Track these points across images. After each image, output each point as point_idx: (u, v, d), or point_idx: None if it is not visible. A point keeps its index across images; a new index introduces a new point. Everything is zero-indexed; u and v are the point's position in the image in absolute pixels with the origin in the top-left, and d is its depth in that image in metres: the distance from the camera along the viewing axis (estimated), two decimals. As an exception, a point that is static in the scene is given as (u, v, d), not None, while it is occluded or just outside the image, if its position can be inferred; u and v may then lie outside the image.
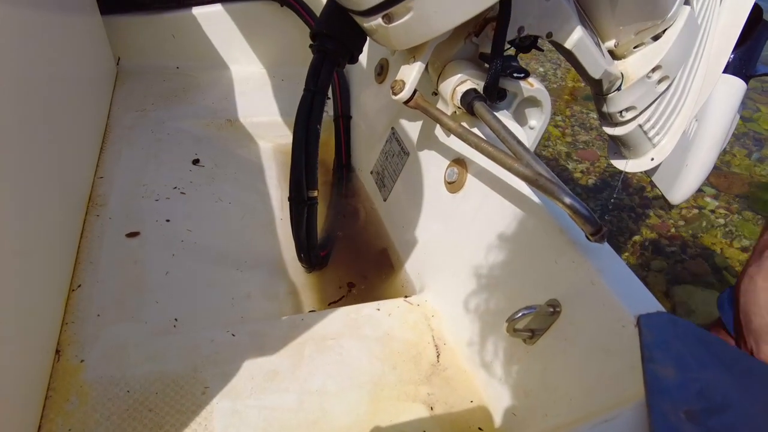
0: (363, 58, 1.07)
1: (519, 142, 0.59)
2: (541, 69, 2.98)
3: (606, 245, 0.55)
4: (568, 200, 0.50)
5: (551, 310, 0.56)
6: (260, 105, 1.20)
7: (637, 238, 1.87)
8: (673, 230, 1.89)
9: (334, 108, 1.12)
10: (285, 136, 1.15)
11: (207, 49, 1.28)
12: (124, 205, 0.87)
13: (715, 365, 0.44)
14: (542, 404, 0.57)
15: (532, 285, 0.61)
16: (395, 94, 0.70)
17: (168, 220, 0.87)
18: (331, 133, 1.11)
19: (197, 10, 1.24)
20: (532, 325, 0.58)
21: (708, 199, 2.06)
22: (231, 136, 1.11)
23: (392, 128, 0.95)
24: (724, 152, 2.22)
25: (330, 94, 1.09)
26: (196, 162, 1.01)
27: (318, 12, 1.21)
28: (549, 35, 0.76)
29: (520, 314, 0.57)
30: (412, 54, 0.69)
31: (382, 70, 0.99)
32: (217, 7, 1.24)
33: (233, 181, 1.00)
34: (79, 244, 0.79)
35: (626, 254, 1.82)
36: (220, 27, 1.26)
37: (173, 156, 1.01)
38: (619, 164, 1.13)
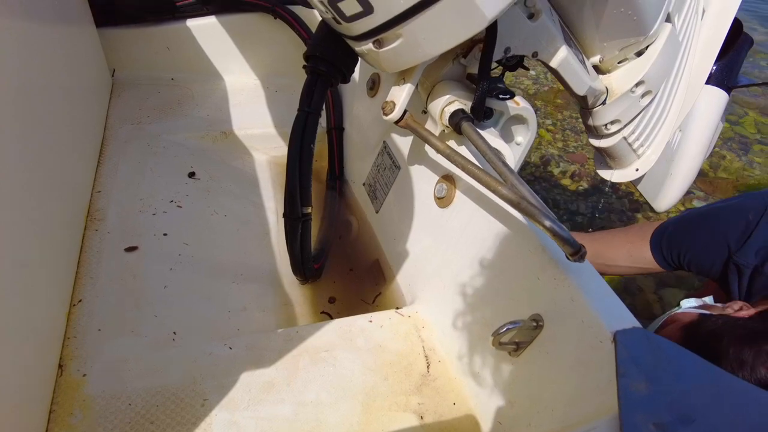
0: (356, 71, 1.09)
1: (504, 164, 0.62)
2: (533, 72, 3.00)
3: (586, 263, 0.57)
4: (548, 223, 0.53)
5: (534, 324, 0.59)
6: (255, 117, 1.22)
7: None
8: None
9: (327, 120, 1.14)
10: (279, 148, 1.17)
11: (201, 61, 1.30)
12: (122, 220, 0.89)
13: (686, 379, 0.47)
14: (526, 414, 0.60)
15: (516, 300, 0.64)
16: (386, 114, 0.73)
17: (165, 234, 0.89)
18: (324, 144, 1.13)
19: (191, 23, 1.25)
20: (516, 338, 0.61)
21: (696, 203, 2.09)
22: (226, 149, 1.13)
23: (384, 142, 0.98)
24: (712, 155, 2.26)
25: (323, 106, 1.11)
26: (191, 175, 1.03)
27: (310, 24, 1.24)
28: (535, 54, 0.79)
29: (504, 329, 0.60)
30: (402, 75, 0.72)
31: (374, 85, 1.01)
32: (211, 19, 1.26)
33: (228, 194, 1.02)
34: (79, 259, 0.81)
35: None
36: (214, 39, 1.28)
37: (169, 169, 1.03)
38: (606, 174, 1.16)
